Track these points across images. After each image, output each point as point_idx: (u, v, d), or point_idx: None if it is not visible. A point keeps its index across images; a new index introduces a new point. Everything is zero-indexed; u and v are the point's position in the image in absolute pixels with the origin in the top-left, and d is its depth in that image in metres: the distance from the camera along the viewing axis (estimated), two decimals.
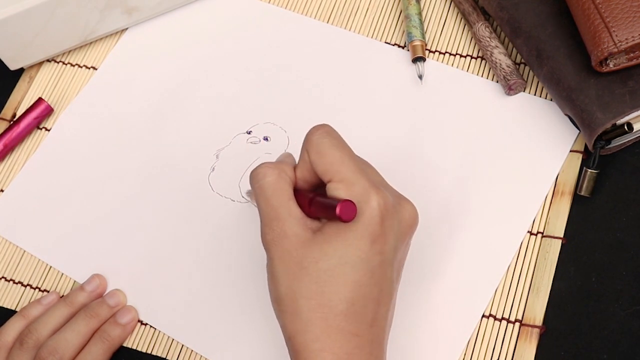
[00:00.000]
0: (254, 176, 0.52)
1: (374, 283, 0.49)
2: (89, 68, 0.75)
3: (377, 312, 0.50)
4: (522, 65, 0.66)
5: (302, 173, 0.53)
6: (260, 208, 0.52)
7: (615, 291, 0.58)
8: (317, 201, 0.51)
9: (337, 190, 0.50)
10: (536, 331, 0.57)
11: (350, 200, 0.49)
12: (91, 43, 0.76)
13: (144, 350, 0.62)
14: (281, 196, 0.51)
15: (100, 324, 0.62)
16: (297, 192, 0.52)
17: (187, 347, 0.62)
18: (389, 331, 0.53)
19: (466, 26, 0.69)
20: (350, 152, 0.52)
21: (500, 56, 0.65)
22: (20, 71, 0.76)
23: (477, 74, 0.67)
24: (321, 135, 0.52)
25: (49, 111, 0.73)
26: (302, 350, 0.48)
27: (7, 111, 0.75)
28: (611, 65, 0.58)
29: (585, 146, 0.62)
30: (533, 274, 0.59)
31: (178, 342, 0.62)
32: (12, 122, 0.73)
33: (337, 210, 0.48)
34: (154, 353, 0.62)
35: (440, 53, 0.68)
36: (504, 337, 0.58)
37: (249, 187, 0.55)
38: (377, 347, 0.50)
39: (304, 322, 0.49)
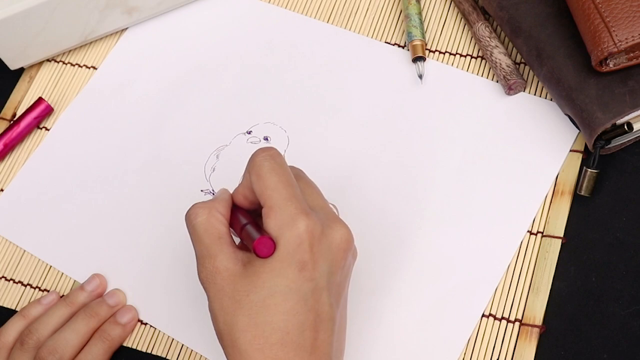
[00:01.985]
0: (187, 217, 0.53)
1: (308, 310, 0.49)
2: (89, 68, 0.75)
3: (317, 339, 0.50)
4: (522, 65, 0.66)
5: (244, 192, 0.53)
6: (194, 248, 0.52)
7: (615, 291, 0.58)
8: (245, 231, 0.52)
9: (266, 217, 0.50)
10: (536, 331, 0.57)
11: (266, 237, 0.49)
12: (91, 43, 0.76)
13: (144, 350, 0.63)
14: (212, 234, 0.51)
15: (100, 324, 0.62)
16: (235, 216, 0.53)
17: (187, 347, 0.62)
18: (341, 355, 0.53)
19: (466, 26, 0.69)
20: (287, 178, 0.52)
21: (500, 56, 0.65)
22: (20, 71, 0.76)
23: (477, 74, 0.67)
24: (263, 157, 0.52)
25: (49, 111, 0.73)
26: None
27: (7, 111, 0.75)
28: (611, 65, 0.58)
29: (585, 146, 0.62)
30: (533, 274, 0.59)
31: (178, 342, 0.62)
32: (12, 122, 0.73)
33: (253, 246, 0.50)
34: (154, 353, 0.62)
35: (440, 53, 0.68)
36: (503, 337, 0.58)
37: None
38: None
39: (243, 355, 0.49)
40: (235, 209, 0.54)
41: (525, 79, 0.65)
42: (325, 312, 0.50)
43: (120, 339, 0.62)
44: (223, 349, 0.51)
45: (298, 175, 0.55)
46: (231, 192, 0.55)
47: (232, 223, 0.53)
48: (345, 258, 0.52)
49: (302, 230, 0.49)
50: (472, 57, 0.68)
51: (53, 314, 0.62)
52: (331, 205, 0.55)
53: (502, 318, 0.58)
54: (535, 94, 0.65)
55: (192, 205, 0.53)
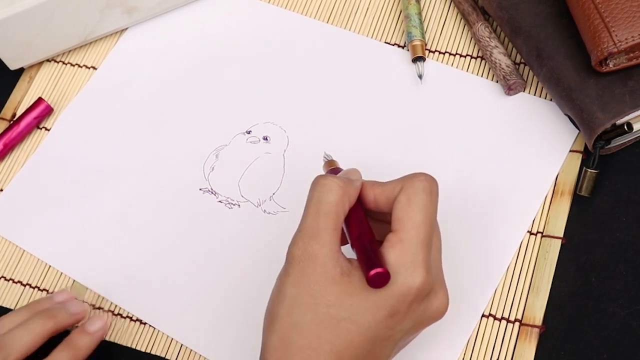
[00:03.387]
0: (317, 185, 0.50)
1: (369, 351, 0.48)
2: (89, 68, 0.75)
3: None
4: (522, 65, 0.66)
5: (378, 195, 0.50)
6: (305, 216, 0.49)
7: (615, 291, 0.57)
8: (361, 246, 0.49)
9: (391, 246, 0.48)
10: (536, 331, 0.57)
11: (386, 272, 0.47)
12: (91, 43, 0.76)
13: (143, 350, 0.62)
14: (333, 220, 0.49)
15: (57, 327, 0.60)
16: (353, 213, 0.50)
17: (187, 347, 0.62)
18: None
19: (466, 26, 0.69)
20: (432, 222, 0.49)
21: (499, 56, 0.65)
22: (20, 71, 0.76)
23: (477, 74, 0.67)
24: (424, 188, 0.49)
25: (49, 111, 0.73)
26: None
27: (7, 111, 0.75)
28: (611, 65, 0.58)
29: (585, 146, 0.62)
30: (533, 274, 0.59)
31: (178, 342, 0.62)
32: (12, 122, 0.73)
33: (372, 273, 0.46)
34: (153, 352, 0.62)
35: (440, 53, 0.68)
36: (503, 337, 0.58)
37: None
38: None
39: (287, 354, 0.47)
40: (357, 203, 0.51)
41: (525, 79, 0.65)
42: (379, 358, 0.49)
43: (87, 348, 0.60)
44: (267, 327, 0.49)
45: (435, 221, 0.52)
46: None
47: (349, 218, 0.50)
48: (430, 324, 0.51)
49: (416, 283, 0.47)
50: (472, 57, 0.68)
51: (12, 316, 0.60)
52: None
53: (502, 318, 0.58)
54: (535, 94, 0.65)
55: (329, 177, 0.50)
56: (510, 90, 0.65)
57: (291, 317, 0.48)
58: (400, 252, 0.48)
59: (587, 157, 0.62)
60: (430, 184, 0.50)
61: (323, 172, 0.56)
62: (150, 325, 0.63)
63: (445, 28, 0.69)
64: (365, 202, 0.51)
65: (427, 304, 0.49)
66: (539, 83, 0.65)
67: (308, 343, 0.47)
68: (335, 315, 0.47)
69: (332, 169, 0.56)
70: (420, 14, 0.69)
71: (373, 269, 0.46)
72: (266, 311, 0.50)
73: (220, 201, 0.66)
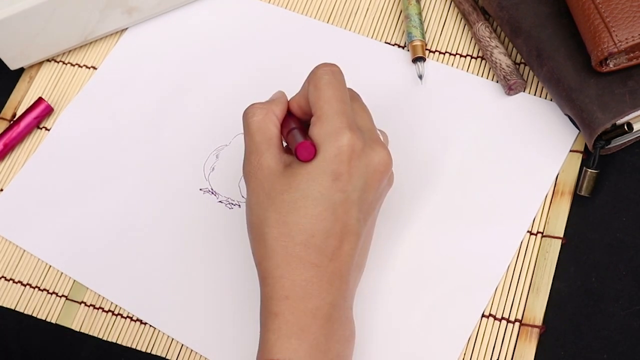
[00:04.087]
0: (245, 114, 0.55)
1: (335, 219, 0.52)
2: (89, 68, 0.75)
3: (339, 248, 0.52)
4: (522, 65, 0.66)
5: (300, 101, 0.56)
6: (245, 143, 0.55)
7: (615, 291, 0.57)
8: (290, 135, 0.55)
9: (313, 125, 0.53)
10: (536, 331, 0.57)
11: (309, 142, 0.52)
12: (91, 43, 0.76)
13: (143, 350, 0.62)
14: (264, 134, 0.54)
15: None
16: (286, 121, 0.56)
17: (187, 347, 0.62)
18: (358, 275, 0.56)
19: (466, 26, 0.69)
20: (342, 94, 0.54)
21: (500, 56, 0.65)
22: (20, 71, 0.76)
23: (477, 74, 0.67)
24: (324, 71, 0.55)
25: (49, 111, 0.73)
26: (266, 276, 0.52)
27: (7, 111, 0.75)
28: (611, 65, 0.58)
29: (585, 146, 0.62)
30: (533, 274, 0.59)
31: (178, 342, 0.62)
32: (12, 122, 0.73)
33: (295, 148, 0.52)
34: (153, 353, 0.62)
35: (440, 53, 0.68)
36: (503, 337, 0.58)
37: None
38: (338, 279, 0.52)
39: (268, 249, 0.52)
40: (288, 115, 0.57)
41: (525, 79, 0.65)
42: (352, 226, 0.52)
43: None
44: (250, 241, 0.54)
45: (354, 97, 0.57)
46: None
47: (282, 126, 0.56)
48: (381, 180, 0.54)
49: (344, 143, 0.52)
50: (472, 57, 0.68)
51: None
52: (379, 131, 0.57)
53: (502, 318, 0.58)
54: (535, 94, 0.65)
55: (251, 105, 0.56)
56: (510, 90, 0.65)
57: (259, 218, 0.53)
58: (321, 125, 0.53)
59: (587, 157, 0.62)
60: (327, 67, 0.55)
61: None
62: (150, 325, 0.63)
63: (445, 28, 0.69)
64: (297, 114, 0.57)
65: (367, 159, 0.53)
66: (539, 83, 0.65)
67: (280, 233, 0.52)
68: (290, 199, 0.52)
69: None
70: (420, 14, 0.69)
71: (297, 144, 0.52)
72: (247, 232, 0.54)
73: (220, 201, 0.66)
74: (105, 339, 0.63)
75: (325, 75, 0.54)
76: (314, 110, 0.54)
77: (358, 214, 0.53)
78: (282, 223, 0.52)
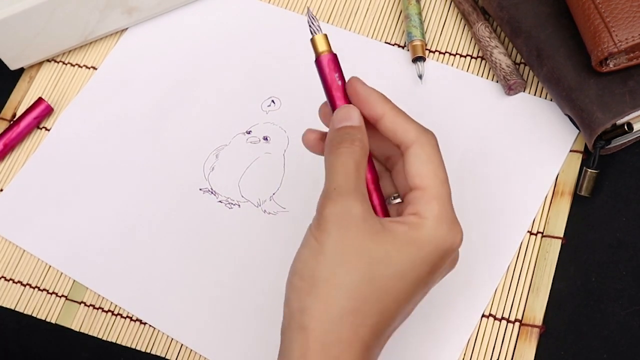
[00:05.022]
0: (340, 150, 0.47)
1: (405, 308, 0.47)
2: (89, 68, 0.75)
3: (388, 337, 0.48)
4: (522, 65, 0.66)
5: (394, 125, 0.48)
6: (335, 177, 0.47)
7: (615, 291, 0.57)
8: (376, 187, 0.48)
9: (428, 204, 0.47)
10: (536, 331, 0.57)
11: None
12: (91, 43, 0.76)
13: (143, 350, 0.62)
14: (361, 177, 0.47)
15: None
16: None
17: (187, 347, 0.62)
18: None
19: (466, 26, 0.69)
20: (448, 179, 0.49)
21: (500, 56, 0.65)
22: (20, 71, 0.76)
23: (477, 74, 0.67)
24: (436, 142, 0.49)
25: (49, 111, 0.73)
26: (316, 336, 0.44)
27: (7, 111, 0.75)
28: (611, 65, 0.58)
29: (585, 146, 0.62)
30: (533, 274, 0.59)
31: (178, 342, 0.62)
32: (12, 122, 0.73)
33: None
34: (153, 352, 0.62)
35: (440, 53, 0.68)
36: (503, 337, 0.58)
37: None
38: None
39: (335, 319, 0.44)
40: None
41: (525, 79, 0.65)
42: (405, 318, 0.49)
43: None
44: (295, 287, 0.45)
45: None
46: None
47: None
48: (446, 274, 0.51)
49: (457, 241, 0.47)
50: (472, 57, 0.68)
51: None
52: None
53: (502, 318, 0.58)
54: (535, 94, 0.65)
55: (347, 140, 0.47)
56: (510, 90, 0.65)
57: (336, 277, 0.44)
58: (439, 207, 0.47)
59: (587, 157, 0.62)
60: (438, 144, 0.49)
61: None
62: (150, 325, 0.63)
63: (445, 28, 0.69)
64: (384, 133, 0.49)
65: (453, 260, 0.49)
66: (539, 83, 0.65)
67: (355, 306, 0.44)
68: (384, 273, 0.45)
69: (328, 55, 0.49)
70: (420, 14, 0.69)
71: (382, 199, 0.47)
72: (295, 278, 0.46)
73: (220, 201, 0.66)
74: (105, 339, 0.63)
75: (439, 151, 0.48)
76: (423, 182, 0.47)
77: (420, 300, 0.49)
78: (364, 297, 0.44)
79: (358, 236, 0.45)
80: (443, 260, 0.47)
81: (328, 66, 0.48)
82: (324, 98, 0.69)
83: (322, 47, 0.49)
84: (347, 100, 0.49)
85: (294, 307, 0.45)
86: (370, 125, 0.49)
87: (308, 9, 0.52)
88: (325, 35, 0.49)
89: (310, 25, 0.49)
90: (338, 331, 0.44)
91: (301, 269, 0.46)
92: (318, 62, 0.49)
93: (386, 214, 0.49)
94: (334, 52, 0.49)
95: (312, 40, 0.49)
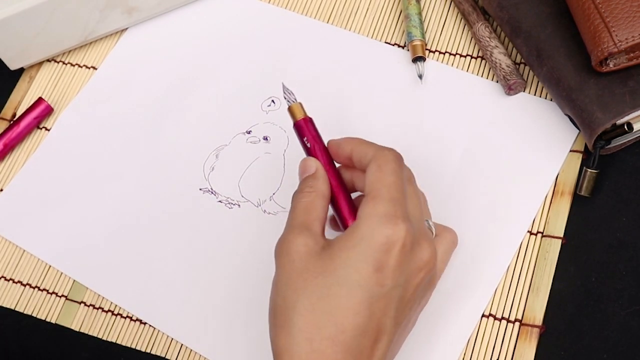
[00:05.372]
0: (293, 197, 0.53)
1: (371, 315, 0.47)
2: (89, 68, 0.75)
3: (371, 349, 0.47)
4: (522, 65, 0.66)
5: (351, 151, 0.53)
6: (287, 221, 0.52)
7: (615, 291, 0.57)
8: (341, 199, 0.53)
9: (365, 204, 0.49)
10: (536, 331, 0.57)
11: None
12: (91, 43, 0.76)
13: (143, 350, 0.62)
14: (309, 214, 0.51)
15: None
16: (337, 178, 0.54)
17: (187, 347, 0.62)
18: None
19: (466, 26, 0.69)
20: (402, 186, 0.50)
21: (500, 56, 0.65)
22: (20, 71, 0.76)
23: (477, 74, 0.67)
24: (393, 157, 0.51)
25: (49, 111, 0.73)
26: None
27: (7, 111, 0.75)
28: (611, 65, 0.58)
29: (585, 146, 0.62)
30: (533, 274, 0.59)
31: (178, 342, 0.62)
32: (12, 122, 0.73)
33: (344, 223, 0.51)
34: (153, 352, 0.62)
35: (440, 53, 0.68)
36: (503, 337, 0.58)
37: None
38: None
39: (290, 340, 0.47)
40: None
41: (525, 79, 0.65)
42: (386, 325, 0.48)
43: None
44: (270, 327, 0.49)
45: (409, 179, 0.54)
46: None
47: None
48: (422, 279, 0.50)
49: (395, 233, 0.48)
50: (472, 57, 0.68)
51: None
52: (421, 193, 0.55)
53: (502, 318, 0.58)
54: (535, 94, 0.65)
55: (302, 188, 0.53)
56: (510, 90, 0.65)
57: (286, 302, 0.48)
58: (373, 205, 0.49)
59: (587, 157, 0.62)
60: (397, 156, 0.52)
61: (290, 118, 0.56)
62: (150, 325, 0.63)
63: (445, 28, 0.69)
64: (336, 157, 0.55)
65: (413, 255, 0.49)
66: (539, 83, 0.65)
67: (306, 323, 0.47)
68: (324, 283, 0.47)
69: (304, 119, 0.56)
70: (420, 14, 0.69)
71: (346, 219, 0.51)
72: (268, 314, 0.50)
73: (220, 201, 0.66)
74: (105, 338, 0.63)
75: (393, 162, 0.51)
76: (369, 189, 0.50)
77: (394, 313, 0.48)
78: (311, 311, 0.46)
79: (298, 260, 0.48)
80: (386, 254, 0.47)
81: (306, 128, 0.55)
82: (323, 98, 0.69)
83: (299, 114, 0.55)
84: (322, 155, 0.55)
85: (271, 340, 0.49)
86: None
87: (282, 83, 0.59)
88: (301, 104, 0.56)
89: (285, 98, 0.56)
90: (299, 351, 0.46)
91: (270, 306, 0.50)
92: (297, 126, 0.55)
93: None
94: (309, 116, 0.56)
95: (289, 109, 0.56)
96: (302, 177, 0.54)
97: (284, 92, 0.56)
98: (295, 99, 0.56)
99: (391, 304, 0.48)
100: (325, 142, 0.55)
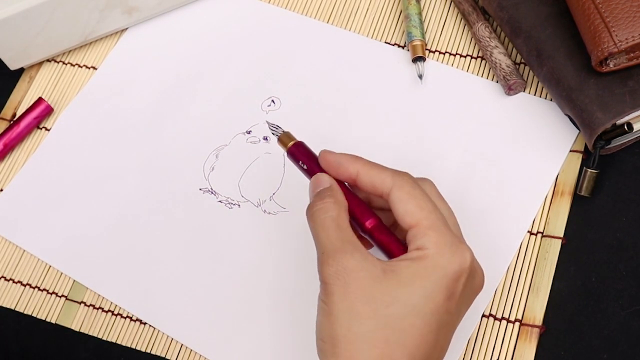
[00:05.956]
0: (314, 213, 0.49)
1: (436, 343, 0.46)
2: (89, 68, 0.75)
3: None
4: (522, 65, 0.66)
5: (372, 179, 0.50)
6: (320, 241, 0.48)
7: (615, 291, 0.57)
8: (376, 229, 0.50)
9: (424, 235, 0.47)
10: (536, 331, 0.57)
11: (402, 245, 0.48)
12: (91, 43, 0.76)
13: (143, 350, 0.62)
14: (343, 231, 0.48)
15: None
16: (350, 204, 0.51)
17: (187, 347, 0.62)
18: None
19: (466, 26, 0.69)
20: (436, 208, 0.49)
21: (500, 56, 0.65)
22: (20, 71, 0.76)
23: (477, 74, 0.67)
24: (413, 180, 0.50)
25: (49, 111, 0.73)
26: None
27: (7, 111, 0.75)
28: (611, 65, 0.58)
29: (585, 146, 0.62)
30: (533, 274, 0.59)
31: (178, 342, 0.62)
32: (12, 122, 0.73)
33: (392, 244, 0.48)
34: (153, 352, 0.62)
35: (440, 53, 0.68)
36: (503, 337, 0.58)
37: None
38: None
39: None
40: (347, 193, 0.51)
41: (525, 79, 0.65)
42: (445, 351, 0.48)
43: None
44: (329, 354, 0.46)
45: (437, 195, 0.52)
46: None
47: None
48: (474, 300, 0.50)
49: (467, 261, 0.47)
50: (472, 57, 0.68)
51: None
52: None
53: (502, 318, 0.58)
54: (535, 94, 0.65)
55: (318, 201, 0.50)
56: (510, 90, 0.65)
57: (352, 332, 0.45)
58: (436, 235, 0.47)
59: (587, 157, 0.62)
60: (413, 178, 0.51)
61: (281, 148, 0.56)
62: (150, 325, 0.63)
63: (445, 28, 0.69)
64: (367, 190, 0.51)
65: (473, 279, 0.49)
66: (539, 83, 0.65)
67: (380, 353, 0.45)
68: (398, 313, 0.45)
69: (294, 144, 0.55)
70: (420, 14, 0.69)
71: (399, 244, 0.48)
72: (319, 342, 0.47)
73: (220, 201, 0.66)
74: (105, 339, 0.63)
75: (418, 188, 0.49)
76: (413, 218, 0.48)
77: (451, 337, 0.48)
78: (385, 342, 0.45)
79: (359, 287, 0.46)
80: (457, 282, 0.47)
81: (299, 153, 0.54)
82: (323, 98, 0.69)
83: (289, 142, 0.55)
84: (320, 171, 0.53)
85: None
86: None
87: (267, 121, 0.61)
88: (288, 132, 0.55)
89: (273, 133, 0.56)
90: None
91: (320, 332, 0.47)
92: (289, 153, 0.54)
93: (403, 245, 0.50)
94: (299, 140, 0.55)
95: (279, 140, 0.55)
96: (313, 194, 0.51)
97: (270, 128, 0.57)
98: (282, 130, 0.56)
99: (452, 329, 0.48)
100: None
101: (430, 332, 0.46)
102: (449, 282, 0.46)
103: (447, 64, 0.68)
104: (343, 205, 0.50)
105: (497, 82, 0.66)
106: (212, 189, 0.67)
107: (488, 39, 0.66)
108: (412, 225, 0.48)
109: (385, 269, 0.47)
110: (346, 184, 0.52)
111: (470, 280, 0.48)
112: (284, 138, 0.55)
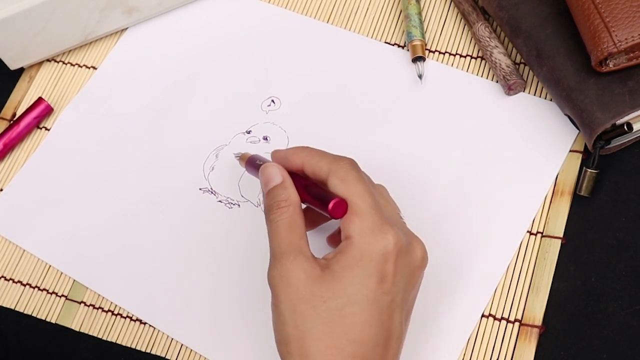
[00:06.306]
0: (270, 215, 0.52)
1: (381, 325, 0.48)
2: (89, 68, 0.75)
3: (385, 357, 0.49)
4: (522, 65, 0.66)
5: (313, 167, 0.52)
6: (271, 245, 0.51)
7: (615, 291, 0.57)
8: (312, 189, 0.52)
9: (349, 222, 0.49)
10: (536, 331, 0.57)
11: (343, 200, 0.49)
12: (91, 43, 0.76)
13: (143, 350, 0.63)
14: (294, 232, 0.50)
15: None
16: (293, 176, 0.53)
17: (187, 347, 0.62)
18: None
19: (466, 26, 0.69)
20: (371, 189, 0.51)
21: (500, 56, 0.65)
22: (20, 71, 0.76)
23: (477, 74, 0.67)
24: (350, 166, 0.51)
25: (48, 111, 0.73)
26: None
27: (7, 111, 0.75)
28: (611, 65, 0.58)
29: (585, 146, 0.62)
30: (533, 274, 0.59)
31: (178, 342, 0.62)
32: (12, 122, 0.73)
33: (330, 206, 0.49)
34: (153, 352, 0.62)
35: (440, 53, 0.68)
36: (503, 337, 0.58)
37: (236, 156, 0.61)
38: None
39: None
40: (294, 176, 0.54)
41: (525, 79, 0.65)
42: (396, 329, 0.49)
43: None
44: (283, 353, 0.49)
45: (370, 181, 0.54)
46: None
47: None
48: (420, 276, 0.52)
49: (390, 242, 0.48)
50: (472, 57, 0.68)
51: None
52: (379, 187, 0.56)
53: (502, 318, 0.58)
54: (535, 94, 0.65)
55: (274, 202, 0.52)
56: (510, 90, 0.65)
57: (299, 330, 0.48)
58: (359, 220, 0.49)
59: (587, 157, 0.62)
60: (353, 163, 0.52)
61: (244, 168, 0.60)
62: (150, 325, 0.63)
63: (445, 28, 0.69)
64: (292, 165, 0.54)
65: (409, 257, 0.50)
66: (539, 83, 0.65)
67: (327, 346, 0.47)
68: (335, 306, 0.48)
69: (250, 158, 0.59)
70: (420, 14, 0.69)
71: (329, 201, 0.49)
72: (276, 344, 0.50)
73: (220, 201, 0.66)
74: (105, 338, 0.63)
75: (353, 170, 0.51)
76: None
77: (400, 316, 0.50)
78: (329, 334, 0.47)
79: (300, 288, 0.48)
80: (385, 264, 0.48)
81: (254, 160, 0.58)
82: (323, 98, 0.69)
83: (246, 156, 0.60)
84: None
85: None
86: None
87: (233, 153, 0.65)
88: (246, 153, 0.60)
89: (237, 158, 0.61)
90: None
91: (275, 334, 0.50)
92: (247, 164, 0.59)
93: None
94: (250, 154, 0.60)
95: (241, 159, 0.60)
96: (268, 188, 0.53)
97: (236, 158, 0.62)
98: (241, 153, 0.61)
99: (397, 309, 0.49)
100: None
101: (371, 316, 0.48)
102: (377, 265, 0.48)
103: (447, 64, 0.68)
104: (295, 203, 0.52)
105: (497, 82, 0.66)
106: (212, 188, 0.67)
107: (488, 39, 0.66)
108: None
109: (323, 267, 0.49)
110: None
111: (402, 258, 0.49)
112: (244, 158, 0.60)
